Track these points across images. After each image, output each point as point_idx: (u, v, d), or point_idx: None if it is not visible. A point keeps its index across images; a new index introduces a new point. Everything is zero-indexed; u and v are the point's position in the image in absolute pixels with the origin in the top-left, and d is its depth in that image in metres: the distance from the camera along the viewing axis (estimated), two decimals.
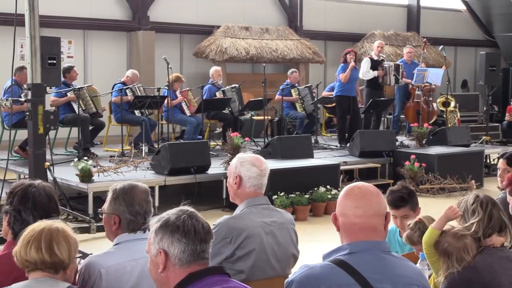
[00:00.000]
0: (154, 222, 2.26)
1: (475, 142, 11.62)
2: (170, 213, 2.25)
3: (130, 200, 2.79)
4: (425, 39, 13.48)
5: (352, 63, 10.93)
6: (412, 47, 12.90)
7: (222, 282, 2.19)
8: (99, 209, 2.90)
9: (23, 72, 8.69)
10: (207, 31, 13.54)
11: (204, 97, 10.59)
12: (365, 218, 2.29)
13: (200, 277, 2.17)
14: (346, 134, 11.13)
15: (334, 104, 12.02)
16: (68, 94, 9.54)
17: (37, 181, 2.74)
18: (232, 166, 3.29)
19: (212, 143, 10.32)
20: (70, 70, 9.74)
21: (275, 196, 7.66)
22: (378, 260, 2.27)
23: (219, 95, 10.82)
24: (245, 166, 3.23)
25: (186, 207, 2.29)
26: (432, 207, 8.47)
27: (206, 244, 2.22)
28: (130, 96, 9.95)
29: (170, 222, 2.20)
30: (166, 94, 10.01)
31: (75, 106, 9.45)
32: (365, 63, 11.37)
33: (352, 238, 2.30)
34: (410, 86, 12.05)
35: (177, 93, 10.68)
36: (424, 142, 10.74)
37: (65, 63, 10.34)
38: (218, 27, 13.55)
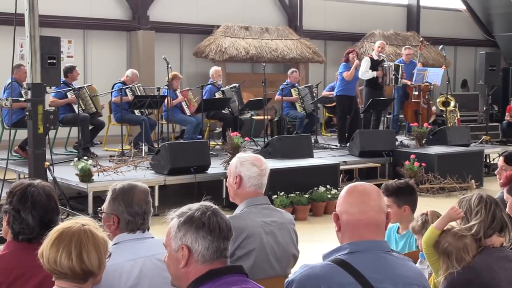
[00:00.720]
0: (174, 216, 2.23)
1: (475, 142, 11.62)
2: (193, 209, 2.23)
3: (129, 201, 2.79)
4: (422, 39, 13.48)
5: (356, 61, 10.94)
6: (411, 48, 12.89)
7: (241, 282, 2.18)
8: (99, 208, 2.90)
9: (21, 69, 8.74)
10: (207, 30, 13.54)
11: (204, 97, 10.58)
12: (370, 213, 2.29)
13: (220, 275, 2.16)
14: (346, 134, 11.12)
15: (334, 104, 12.02)
16: (68, 94, 9.55)
17: (37, 181, 2.73)
18: (232, 165, 3.28)
19: (212, 142, 10.32)
20: (73, 70, 9.76)
21: (275, 196, 7.65)
22: (378, 260, 2.26)
23: (218, 95, 10.81)
24: (246, 166, 3.22)
25: (208, 203, 2.28)
26: (432, 207, 8.48)
27: (227, 242, 2.22)
28: (130, 96, 9.95)
29: (195, 218, 2.18)
30: (166, 94, 10.00)
31: (75, 106, 9.46)
32: (365, 63, 11.35)
33: (355, 236, 2.29)
34: (408, 86, 12.03)
35: (178, 92, 10.67)
36: (424, 141, 10.74)
37: (65, 63, 10.33)
38: (218, 26, 13.55)
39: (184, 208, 2.25)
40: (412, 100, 11.98)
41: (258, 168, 3.22)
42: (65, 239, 2.21)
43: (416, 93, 11.91)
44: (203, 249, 2.16)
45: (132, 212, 2.78)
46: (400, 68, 11.60)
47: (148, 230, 2.84)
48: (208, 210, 2.22)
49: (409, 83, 11.92)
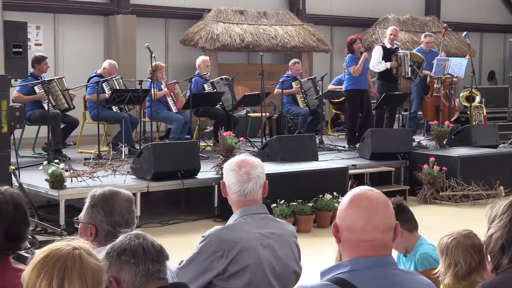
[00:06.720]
0: (103, 253, 2.37)
1: (503, 143, 11.65)
2: (116, 240, 2.39)
3: (110, 209, 2.82)
4: (445, 25, 13.52)
5: (364, 54, 10.96)
6: (432, 35, 12.92)
7: None
8: (75, 218, 2.93)
9: None
10: (196, 15, 13.56)
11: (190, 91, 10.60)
12: (375, 234, 2.28)
13: None
14: (356, 134, 11.15)
15: (341, 99, 12.05)
16: (36, 88, 9.56)
17: (4, 187, 2.75)
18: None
19: (202, 143, 10.34)
20: (41, 61, 9.77)
21: (274, 205, 7.68)
22: (383, 278, 2.27)
23: (207, 87, 10.83)
24: (226, 171, 3.30)
25: (133, 231, 2.42)
26: (454, 217, 8.53)
27: (160, 264, 2.32)
28: (107, 93, 9.95)
29: (115, 246, 2.33)
30: (149, 88, 10.01)
31: (44, 102, 9.47)
32: (376, 52, 11.38)
33: (357, 253, 2.30)
34: (429, 78, 12.07)
35: (163, 86, 10.68)
36: (444, 142, 10.77)
37: (32, 52, 10.34)
38: (209, 10, 13.56)
39: (111, 244, 2.40)
40: (434, 94, 12.01)
41: (237, 172, 3.25)
42: (49, 263, 2.19)
43: (439, 86, 11.94)
44: (130, 276, 2.28)
45: (112, 222, 2.81)
46: (423, 64, 11.65)
47: None
48: (129, 235, 2.35)
49: (428, 73, 11.96)
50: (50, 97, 9.36)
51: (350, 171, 9.09)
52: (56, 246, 2.24)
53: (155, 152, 8.13)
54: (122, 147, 9.41)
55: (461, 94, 13.18)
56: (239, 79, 11.51)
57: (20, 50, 7.82)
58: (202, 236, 3.14)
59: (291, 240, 3.32)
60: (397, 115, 11.99)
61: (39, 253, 2.24)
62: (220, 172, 7.99)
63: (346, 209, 2.32)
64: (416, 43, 14.56)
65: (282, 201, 7.80)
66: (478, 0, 17.84)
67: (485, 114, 13.14)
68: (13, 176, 7.02)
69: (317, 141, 10.51)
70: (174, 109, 10.70)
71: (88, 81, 10.24)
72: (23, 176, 7.58)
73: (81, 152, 10.07)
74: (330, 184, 8.39)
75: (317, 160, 9.35)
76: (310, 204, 7.99)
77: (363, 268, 2.27)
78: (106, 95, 9.92)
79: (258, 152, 9.34)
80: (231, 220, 3.26)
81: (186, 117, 10.45)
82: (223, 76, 11.23)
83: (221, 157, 8.68)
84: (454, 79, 12.05)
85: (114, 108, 10.06)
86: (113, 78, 10.28)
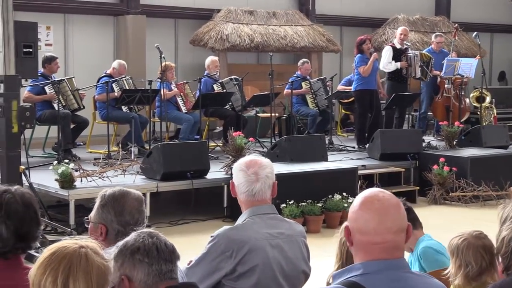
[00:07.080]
0: (113, 251, 2.38)
1: None
2: (129, 237, 2.39)
3: (120, 209, 2.85)
4: (456, 25, 13.48)
5: (374, 55, 10.94)
6: (443, 35, 12.88)
7: None
8: (85, 217, 2.94)
9: None
10: (205, 15, 13.58)
11: (200, 91, 10.61)
12: (388, 236, 2.28)
13: None
14: (366, 134, 11.14)
15: (351, 100, 12.03)
16: (46, 88, 9.60)
17: (15, 187, 2.77)
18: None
19: (211, 144, 10.36)
20: (52, 61, 9.81)
21: (284, 205, 7.69)
22: (395, 281, 2.28)
23: (217, 88, 10.84)
24: (235, 171, 3.34)
25: (145, 229, 2.43)
26: (464, 218, 8.51)
27: (172, 264, 2.33)
28: (117, 93, 9.98)
29: (129, 244, 2.34)
30: (159, 88, 10.03)
31: (54, 102, 9.50)
32: (386, 53, 11.37)
33: (369, 256, 2.30)
34: (439, 78, 12.05)
35: (173, 86, 10.70)
36: (455, 143, 10.75)
37: (43, 52, 10.38)
38: (219, 11, 13.58)
39: (123, 241, 2.40)
40: (444, 95, 11.98)
41: (245, 172, 3.26)
42: (55, 260, 2.20)
43: (449, 86, 11.91)
44: (143, 275, 2.29)
45: (122, 222, 2.83)
46: (431, 62, 11.62)
47: None
48: (142, 233, 2.36)
49: (439, 74, 11.93)
50: (60, 97, 9.41)
51: (360, 172, 9.09)
52: (63, 244, 2.25)
53: (164, 152, 8.15)
54: (131, 147, 9.43)
55: (471, 95, 13.14)
56: (248, 79, 11.52)
57: (31, 50, 7.83)
58: (211, 236, 3.16)
59: (300, 240, 3.33)
60: (406, 116, 11.96)
61: (46, 251, 2.25)
62: (230, 172, 8.01)
63: (357, 211, 2.32)
64: (426, 43, 14.53)
65: (292, 202, 7.80)
66: (488, 0, 17.78)
67: (495, 114, 13.10)
68: (23, 176, 7.04)
69: (327, 142, 10.51)
70: (183, 109, 10.71)
71: (98, 81, 10.27)
72: (33, 176, 7.61)
73: (90, 152, 10.11)
74: (340, 184, 8.40)
75: (326, 160, 9.35)
76: (320, 205, 7.99)
77: (375, 271, 2.27)
78: (116, 95, 9.95)
79: (268, 152, 9.34)
80: (239, 220, 3.28)
81: (195, 117, 10.45)
82: (232, 76, 11.23)
83: (230, 157, 8.69)
84: (464, 80, 12.02)
85: (124, 108, 10.09)
86: (123, 78, 10.30)
